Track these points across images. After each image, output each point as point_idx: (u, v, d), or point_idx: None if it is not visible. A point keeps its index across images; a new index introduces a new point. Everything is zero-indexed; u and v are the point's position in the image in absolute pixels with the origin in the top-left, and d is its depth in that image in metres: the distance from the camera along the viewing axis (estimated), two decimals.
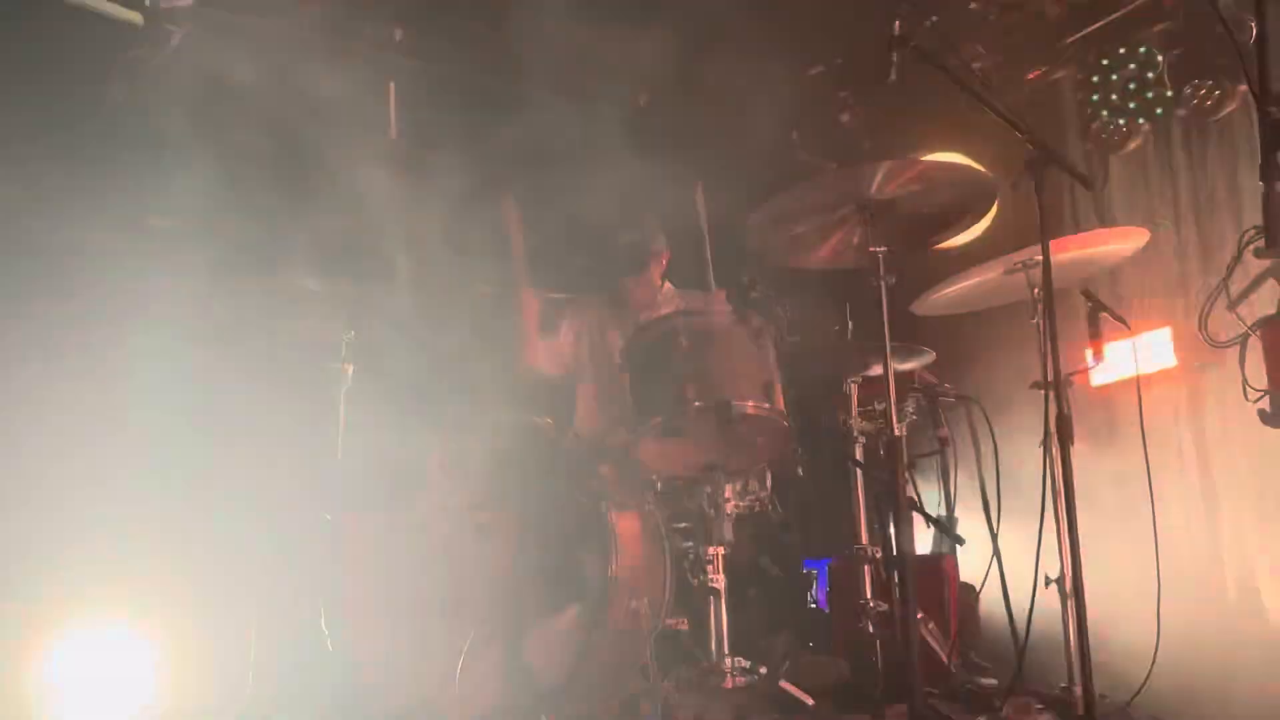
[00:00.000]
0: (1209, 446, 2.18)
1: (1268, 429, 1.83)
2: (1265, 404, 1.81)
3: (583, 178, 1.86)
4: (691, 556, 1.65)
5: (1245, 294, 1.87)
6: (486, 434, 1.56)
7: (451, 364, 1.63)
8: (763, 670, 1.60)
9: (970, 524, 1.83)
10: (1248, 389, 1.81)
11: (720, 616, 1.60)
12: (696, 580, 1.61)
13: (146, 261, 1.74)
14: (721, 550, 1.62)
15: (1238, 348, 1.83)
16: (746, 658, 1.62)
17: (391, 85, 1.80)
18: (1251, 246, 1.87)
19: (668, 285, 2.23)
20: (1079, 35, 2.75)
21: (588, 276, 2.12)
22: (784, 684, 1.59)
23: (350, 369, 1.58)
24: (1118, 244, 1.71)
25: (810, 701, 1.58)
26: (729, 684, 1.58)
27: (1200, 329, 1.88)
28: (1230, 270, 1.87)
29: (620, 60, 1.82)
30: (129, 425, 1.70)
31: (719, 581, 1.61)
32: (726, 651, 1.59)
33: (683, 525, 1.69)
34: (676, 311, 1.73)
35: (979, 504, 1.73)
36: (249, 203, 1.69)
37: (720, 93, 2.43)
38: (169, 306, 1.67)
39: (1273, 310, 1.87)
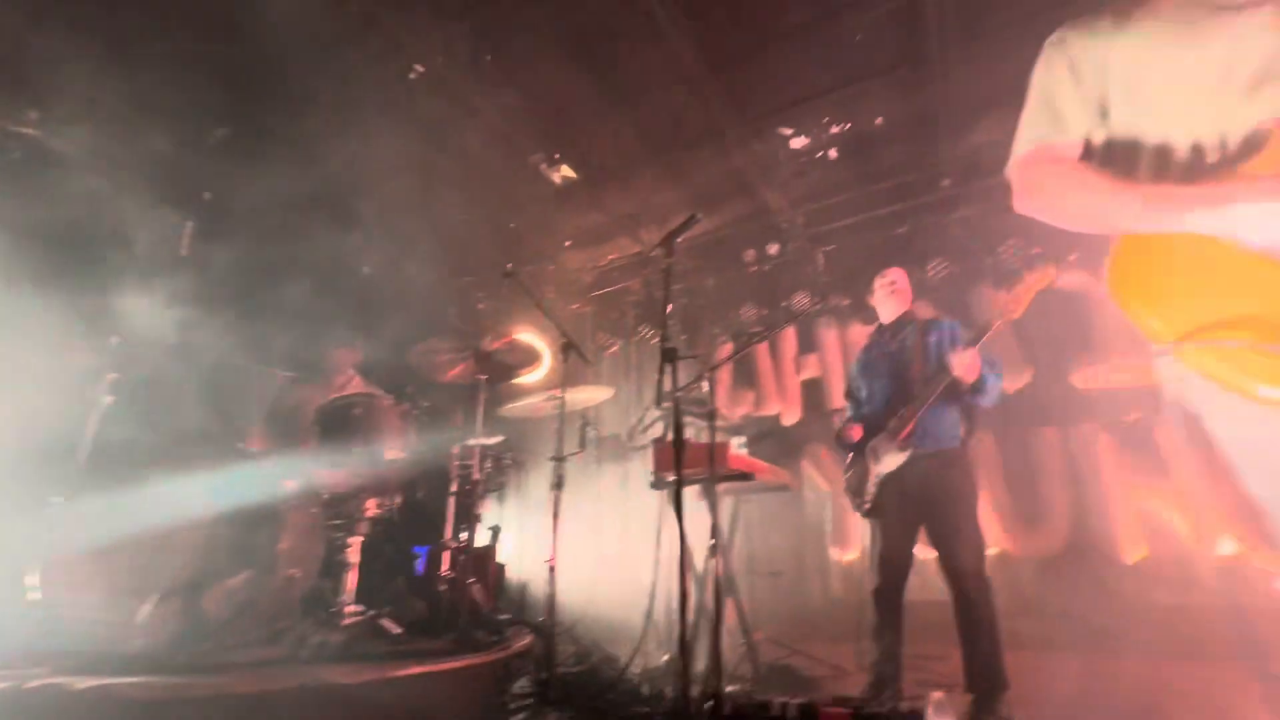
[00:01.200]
0: (631, 499, 4.29)
1: (654, 491, 3.86)
2: (652, 479, 3.82)
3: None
4: (339, 541, 2.62)
5: (649, 425, 3.88)
6: (200, 449, 2.28)
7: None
8: (371, 613, 2.63)
9: (511, 531, 3.27)
10: (647, 471, 3.83)
11: (348, 580, 2.60)
12: (341, 556, 2.59)
13: None
14: (358, 539, 2.65)
15: (649, 449, 3.80)
16: (365, 605, 2.63)
17: None
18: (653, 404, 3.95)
19: (357, 378, 3.25)
20: (598, 292, 5.23)
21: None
22: (382, 621, 2.65)
23: (112, 377, 2.09)
24: (600, 393, 3.49)
25: (398, 630, 2.65)
26: (345, 621, 2.57)
27: (630, 439, 3.81)
28: (647, 411, 3.87)
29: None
30: None
31: (353, 556, 2.62)
32: (350, 601, 2.59)
33: (339, 521, 2.65)
34: (357, 393, 2.78)
35: (518, 519, 3.17)
36: None
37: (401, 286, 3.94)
38: None
39: (659, 434, 3.94)
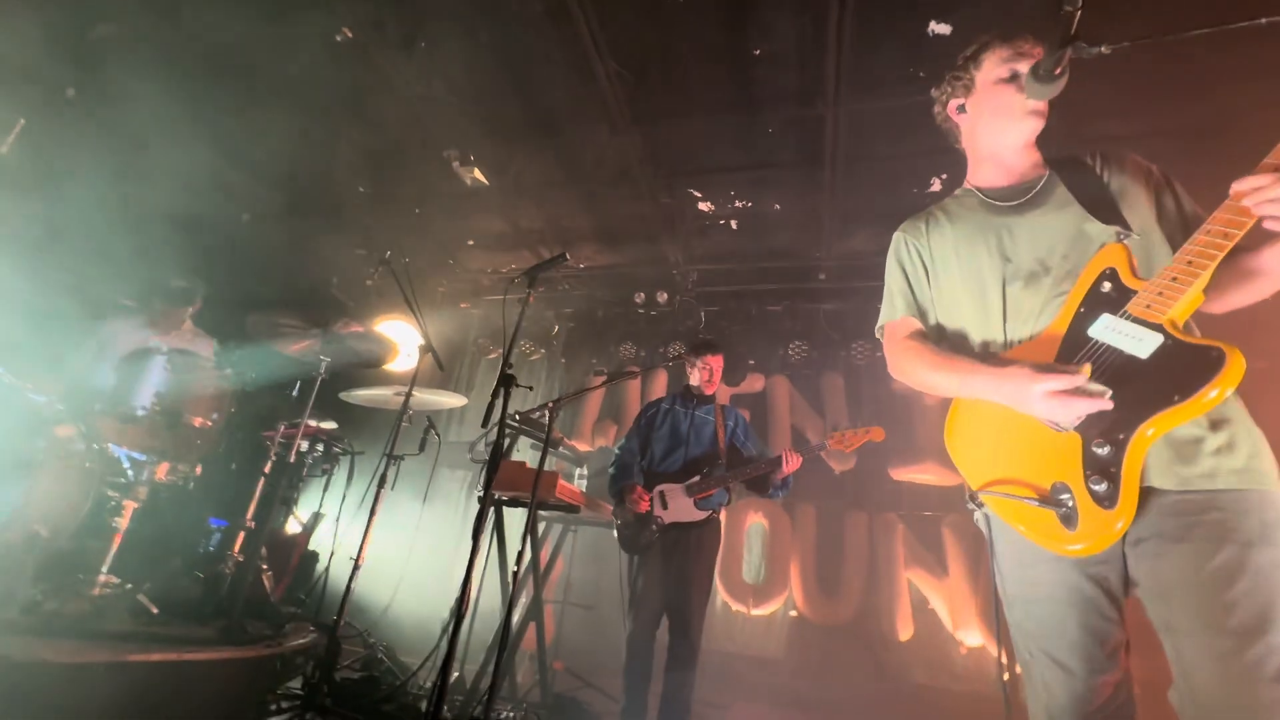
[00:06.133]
0: (469, 509, 4.29)
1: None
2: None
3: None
4: (112, 504, 2.37)
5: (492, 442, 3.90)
6: None
7: None
8: (129, 586, 2.39)
9: (332, 521, 3.13)
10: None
11: (112, 547, 2.36)
12: (111, 519, 2.35)
13: None
14: (134, 504, 2.42)
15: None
16: (124, 577, 2.38)
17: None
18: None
19: (188, 326, 3.01)
20: (491, 297, 5.40)
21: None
22: (140, 597, 2.41)
23: None
24: (452, 399, 3.46)
25: (155, 610, 2.41)
26: (96, 591, 2.31)
27: (472, 451, 3.80)
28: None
29: None
30: None
31: (122, 524, 2.38)
32: (105, 570, 2.34)
33: (119, 480, 2.40)
34: (176, 349, 2.57)
35: (345, 510, 3.03)
36: None
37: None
38: None
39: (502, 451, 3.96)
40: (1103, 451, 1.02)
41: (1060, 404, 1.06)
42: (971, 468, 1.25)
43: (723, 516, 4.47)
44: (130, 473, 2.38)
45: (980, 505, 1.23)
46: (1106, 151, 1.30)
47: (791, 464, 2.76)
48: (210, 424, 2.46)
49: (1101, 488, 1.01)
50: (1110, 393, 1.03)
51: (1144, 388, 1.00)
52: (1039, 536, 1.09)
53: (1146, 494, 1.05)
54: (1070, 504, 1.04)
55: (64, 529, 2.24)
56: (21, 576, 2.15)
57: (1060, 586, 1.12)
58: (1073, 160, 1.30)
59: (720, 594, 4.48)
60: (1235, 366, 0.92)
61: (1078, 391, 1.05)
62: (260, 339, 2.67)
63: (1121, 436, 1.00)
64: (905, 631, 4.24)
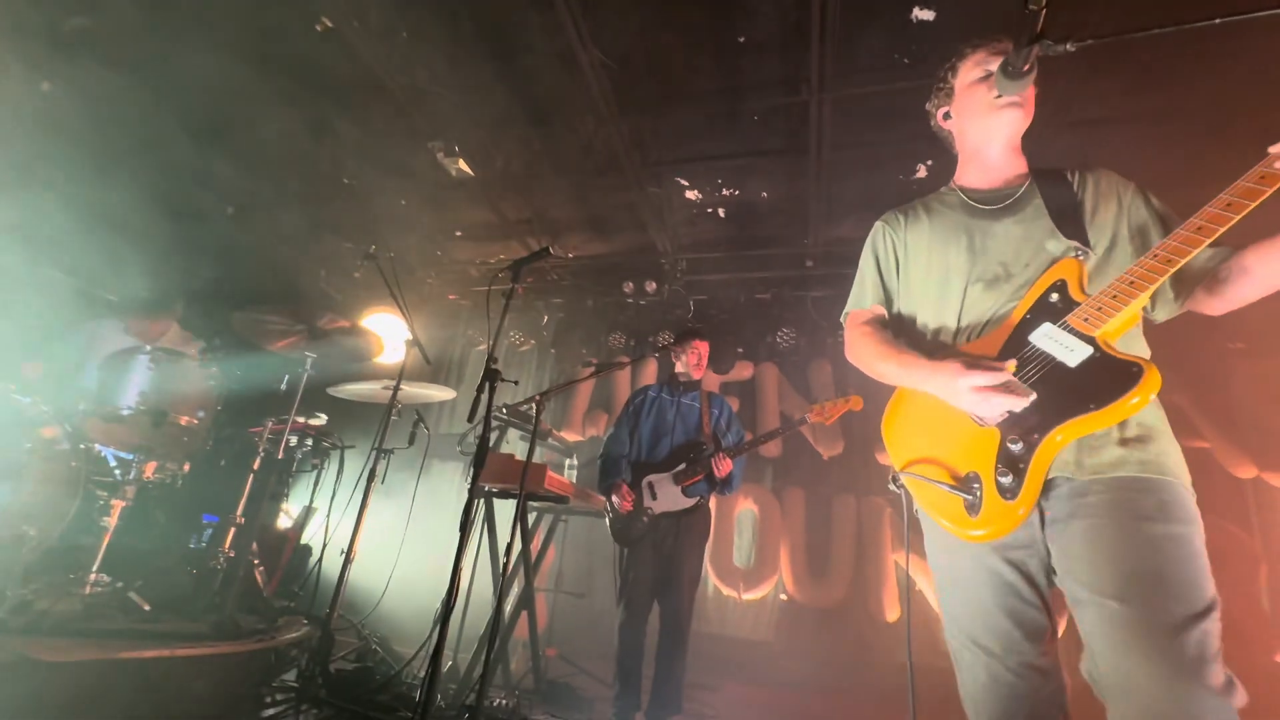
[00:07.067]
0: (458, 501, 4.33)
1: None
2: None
3: None
4: (100, 504, 2.38)
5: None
6: None
7: None
8: (120, 584, 2.40)
9: (325, 515, 3.15)
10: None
11: (102, 546, 2.36)
12: (99, 519, 2.35)
13: None
14: (122, 503, 2.42)
15: None
16: (115, 576, 2.39)
17: None
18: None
19: (174, 328, 3.00)
20: (480, 288, 5.42)
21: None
22: (131, 594, 2.42)
23: None
24: (441, 392, 3.46)
25: (147, 607, 2.42)
26: (86, 590, 2.32)
27: (461, 444, 3.82)
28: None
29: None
30: None
31: (111, 523, 2.39)
32: (95, 569, 2.35)
33: (107, 480, 2.40)
34: (160, 348, 2.55)
35: (337, 504, 3.05)
36: None
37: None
38: None
39: (491, 443, 3.96)
40: (1015, 448, 1.08)
41: (983, 399, 1.11)
42: (898, 450, 1.31)
43: (712, 503, 4.52)
44: (117, 472, 2.38)
45: (901, 487, 1.29)
46: (1085, 168, 1.34)
47: (723, 468, 2.82)
48: (196, 422, 2.45)
49: (1007, 479, 1.07)
50: (1033, 395, 1.08)
51: (1065, 394, 1.05)
52: (947, 520, 1.15)
53: (1057, 483, 1.11)
54: (978, 493, 1.10)
55: (52, 529, 2.24)
56: (11, 576, 2.15)
57: (981, 571, 1.17)
58: (1053, 173, 1.34)
59: (711, 579, 4.54)
60: (1150, 382, 0.97)
61: (1000, 388, 1.10)
62: (245, 336, 2.66)
63: (1035, 436, 1.06)
64: (893, 612, 4.33)
